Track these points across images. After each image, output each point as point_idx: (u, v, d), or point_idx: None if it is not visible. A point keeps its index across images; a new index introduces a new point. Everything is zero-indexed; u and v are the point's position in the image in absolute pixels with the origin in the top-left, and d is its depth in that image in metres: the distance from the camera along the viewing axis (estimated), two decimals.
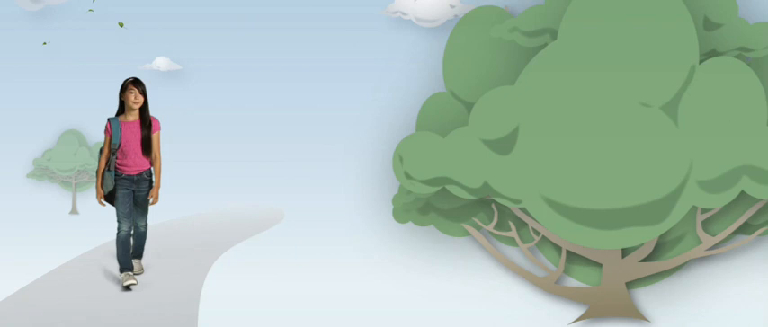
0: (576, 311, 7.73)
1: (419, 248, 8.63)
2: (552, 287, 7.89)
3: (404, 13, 11.00)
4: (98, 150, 10.11)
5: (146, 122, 8.12)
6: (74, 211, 19.87)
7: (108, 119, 8.15)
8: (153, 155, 8.23)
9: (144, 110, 8.06)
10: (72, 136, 19.67)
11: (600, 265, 7.86)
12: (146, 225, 8.57)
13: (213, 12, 18.25)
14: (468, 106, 7.69)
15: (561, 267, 7.95)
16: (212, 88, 18.26)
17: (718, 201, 6.94)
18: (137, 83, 8.01)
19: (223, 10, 18.36)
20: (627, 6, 7.11)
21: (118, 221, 8.13)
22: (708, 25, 7.53)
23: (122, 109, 8.09)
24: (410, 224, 8.28)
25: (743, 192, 6.90)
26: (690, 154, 6.89)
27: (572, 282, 8.17)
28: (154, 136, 8.19)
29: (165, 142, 8.53)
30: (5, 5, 16.83)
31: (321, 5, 16.21)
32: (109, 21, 14.77)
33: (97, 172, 8.29)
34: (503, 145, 7.31)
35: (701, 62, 7.12)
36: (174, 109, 15.02)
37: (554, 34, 7.40)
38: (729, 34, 7.55)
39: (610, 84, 6.97)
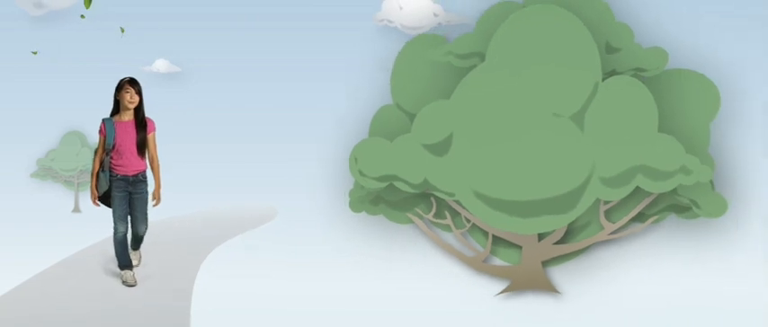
0: (501, 285, 8.68)
1: (370, 234, 9.48)
2: (481, 266, 8.80)
3: (390, 21, 11.54)
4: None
5: (141, 123, 7.91)
6: (76, 210, 20.49)
7: (102, 120, 7.92)
8: (150, 156, 8.06)
9: (139, 110, 7.90)
10: (74, 137, 20.22)
11: (520, 247, 8.73)
12: (146, 229, 8.23)
13: (212, 13, 18.24)
14: (411, 116, 8.49)
15: (488, 249, 8.80)
16: (211, 89, 18.46)
17: (617, 195, 7.90)
18: (132, 82, 7.84)
19: (221, 11, 18.27)
20: (542, 34, 7.97)
21: (114, 223, 7.96)
22: (609, 49, 8.37)
23: (117, 109, 7.92)
24: (364, 213, 9.07)
25: (638, 187, 7.84)
26: (593, 155, 7.78)
27: (497, 261, 9.08)
28: (149, 136, 7.98)
29: (166, 142, 8.36)
30: (10, 10, 16.95)
31: (313, 7, 16.18)
32: (109, 24, 14.29)
33: (92, 173, 8.12)
34: (439, 149, 8.17)
35: (603, 80, 7.95)
36: (174, 110, 15.09)
37: (482, 57, 8.26)
38: (627, 57, 8.39)
39: (528, 98, 7.84)
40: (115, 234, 7.93)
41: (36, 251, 11.18)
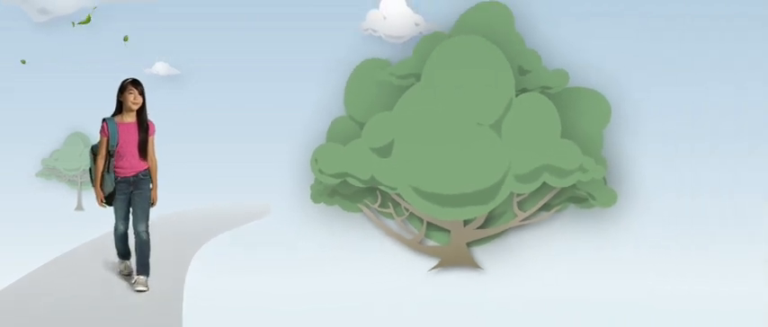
0: (433, 262, 9.71)
1: (328, 221, 10.42)
2: (417, 246, 9.76)
3: (374, 31, 12.08)
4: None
5: (143, 124, 7.56)
6: (79, 207, 21.07)
7: (104, 120, 7.54)
8: (149, 158, 7.70)
9: (142, 111, 7.53)
10: (77, 138, 20.59)
11: (449, 231, 9.64)
12: (147, 231, 7.69)
13: (209, 19, 18.78)
14: (361, 125, 9.44)
15: (423, 232, 9.72)
16: (209, 90, 18.93)
17: (527, 189, 8.89)
18: (136, 83, 7.47)
19: (219, 12, 18.70)
20: (466, 59, 8.94)
21: (115, 221, 7.70)
22: (521, 72, 9.33)
23: (120, 109, 7.55)
24: (322, 204, 10.01)
25: (544, 183, 8.81)
26: (508, 157, 8.76)
27: (430, 243, 9.95)
28: (150, 139, 7.66)
29: (166, 142, 8.09)
30: (17, 17, 17.13)
31: (306, 20, 16.71)
32: (110, 28, 14.18)
33: (93, 173, 7.73)
34: (383, 151, 9.15)
35: (516, 96, 8.96)
36: (173, 111, 14.97)
37: (418, 77, 9.28)
38: (535, 77, 9.32)
39: (455, 110, 8.85)
40: (116, 230, 7.72)
41: (40, 247, 11.17)
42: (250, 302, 7.67)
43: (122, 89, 7.44)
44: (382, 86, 9.76)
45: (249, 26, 19.05)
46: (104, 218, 10.57)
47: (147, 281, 7.73)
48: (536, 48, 9.60)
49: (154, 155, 7.73)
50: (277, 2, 17.98)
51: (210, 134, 19.72)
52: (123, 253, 8.12)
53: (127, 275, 8.18)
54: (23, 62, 15.94)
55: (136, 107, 7.41)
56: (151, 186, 7.73)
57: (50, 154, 20.90)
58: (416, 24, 11.91)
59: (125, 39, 13.46)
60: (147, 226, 7.62)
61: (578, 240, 9.66)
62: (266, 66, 19.03)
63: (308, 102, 11.14)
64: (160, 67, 18.56)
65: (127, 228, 7.70)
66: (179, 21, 18.41)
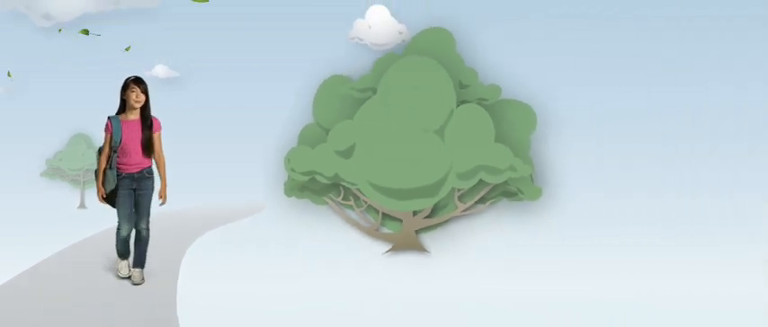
0: (387, 246, 10.76)
1: (298, 212, 11.47)
2: (374, 233, 10.85)
3: (361, 39, 12.21)
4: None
5: (147, 121, 7.33)
6: (82, 206, 21.10)
7: (108, 118, 7.35)
8: (156, 155, 7.45)
9: (145, 109, 7.32)
10: (80, 139, 20.66)
11: (401, 220, 10.65)
12: (148, 228, 7.56)
13: (208, 24, 18.65)
14: (327, 131, 10.57)
15: (379, 221, 10.74)
16: (207, 91, 18.81)
17: (466, 185, 9.91)
18: (138, 81, 7.28)
19: (217, 16, 18.45)
20: (416, 76, 10.14)
21: (118, 222, 7.44)
22: (461, 86, 10.51)
23: (123, 107, 7.35)
24: (294, 197, 11.00)
25: (481, 180, 9.87)
26: (451, 158, 9.89)
27: (385, 230, 10.96)
28: (155, 135, 7.39)
29: (165, 143, 7.79)
30: (22, 22, 16.92)
31: (299, 31, 16.42)
32: (112, 32, 14.08)
33: (96, 170, 7.44)
34: (346, 153, 10.22)
35: (457, 106, 10.12)
36: (174, 111, 14.63)
37: (375, 91, 10.44)
38: (473, 91, 10.50)
39: (405, 119, 10.01)
40: (119, 231, 7.47)
41: (44, 245, 11.29)
42: (235, 283, 8.55)
43: (125, 87, 7.27)
44: (345, 99, 10.88)
45: (243, 33, 18.95)
46: (106, 216, 11.78)
47: (142, 273, 7.64)
48: (474, 67, 10.83)
49: (161, 152, 7.52)
50: (271, 12, 18.02)
51: (201, 134, 19.63)
52: (123, 253, 7.74)
53: (125, 278, 7.80)
54: (9, 75, 15.48)
55: (138, 105, 7.21)
56: (153, 184, 7.52)
57: (54, 154, 20.94)
58: (400, 33, 12.00)
59: (127, 49, 13.11)
60: (148, 223, 7.49)
61: (509, 228, 10.75)
62: (258, 71, 19.10)
63: (296, 106, 11.76)
64: (160, 70, 18.26)
65: (130, 231, 7.46)
66: (178, 23, 18.07)
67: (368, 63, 11.16)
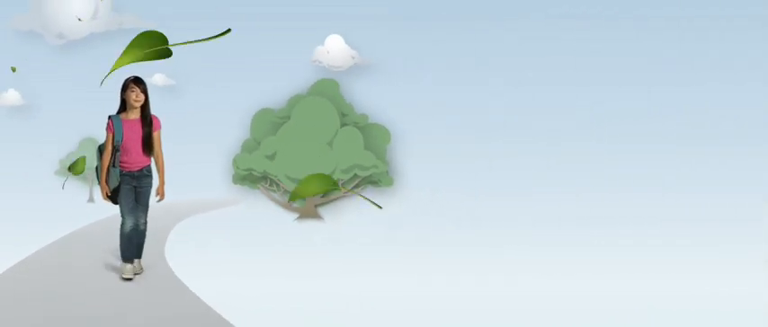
0: (296, 215, 16.75)
1: (242, 195, 17.14)
2: (288, 207, 16.82)
3: (320, 62, 14.81)
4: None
5: (147, 120, 7.00)
6: (90, 200, 22.78)
7: (109, 117, 7.06)
8: (155, 154, 7.13)
9: (145, 108, 6.98)
10: (88, 142, 22.10)
11: (305, 199, 16.42)
12: (145, 223, 7.30)
13: (198, 46, 20.29)
14: (259, 143, 16.32)
15: (290, 200, 16.67)
16: (201, 97, 20.86)
17: (346, 176, 16.01)
18: (137, 81, 6.95)
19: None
20: (315, 108, 16.02)
21: (122, 216, 7.13)
22: (342, 115, 16.45)
23: (124, 107, 6.99)
24: (238, 185, 16.77)
25: (355, 173, 15.96)
26: (336, 160, 15.79)
27: (295, 205, 16.90)
28: (155, 134, 7.08)
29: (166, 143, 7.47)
30: (38, 42, 18.08)
31: (271, 54, 19.60)
32: (117, 47, 15.11)
33: (99, 168, 7.23)
34: (271, 157, 16.01)
35: (340, 128, 16.02)
36: (171, 116, 16.54)
37: (289, 117, 16.29)
38: (350, 118, 16.43)
39: (308, 135, 15.84)
40: (123, 226, 7.15)
41: (59, 229, 12.44)
42: (204, 233, 14.18)
43: (124, 87, 6.97)
44: (270, 123, 16.89)
45: (226, 54, 21.78)
46: (112, 207, 14.58)
47: (140, 263, 7.51)
48: (351, 103, 17.02)
49: (160, 151, 7.24)
50: (248, 40, 21.46)
51: (179, 136, 20.95)
52: (127, 255, 7.28)
53: (128, 279, 7.22)
54: (14, 69, 14.51)
55: (138, 104, 6.91)
56: (152, 181, 7.29)
57: (66, 155, 22.09)
58: (352, 57, 14.65)
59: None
60: (146, 219, 7.31)
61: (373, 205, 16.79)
62: (237, 86, 22.07)
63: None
64: (158, 78, 20.49)
65: (134, 225, 7.17)
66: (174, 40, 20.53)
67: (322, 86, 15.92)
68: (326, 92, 16.92)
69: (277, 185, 16.70)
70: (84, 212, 18.22)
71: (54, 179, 21.75)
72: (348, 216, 16.71)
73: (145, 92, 6.99)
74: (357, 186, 16.72)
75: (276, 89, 15.48)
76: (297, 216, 17.00)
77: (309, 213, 16.84)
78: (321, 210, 17.17)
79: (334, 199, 16.91)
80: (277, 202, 16.94)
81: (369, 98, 16.06)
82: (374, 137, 16.68)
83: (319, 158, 15.86)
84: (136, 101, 6.89)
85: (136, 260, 7.45)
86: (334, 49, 15.65)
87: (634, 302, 6.56)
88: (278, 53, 21.85)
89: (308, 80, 15.78)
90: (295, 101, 16.84)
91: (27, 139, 20.97)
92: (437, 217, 14.64)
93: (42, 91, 21.36)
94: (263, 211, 16.66)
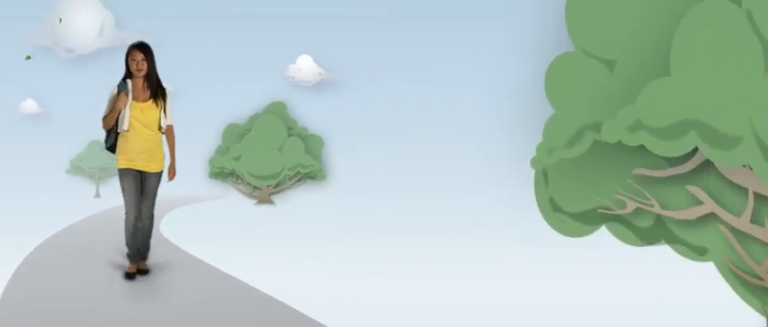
0: (254, 201, 22.38)
1: (216, 188, 22.63)
2: (251, 195, 22.23)
3: (293, 78, 16.57)
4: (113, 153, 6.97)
5: (152, 91, 6.46)
6: (97, 195, 24.71)
7: (117, 85, 6.48)
8: (167, 128, 6.63)
9: (149, 77, 6.41)
10: (95, 145, 23.70)
11: (262, 189, 22.00)
12: (152, 216, 6.68)
13: (192, 57, 22.70)
14: (228, 149, 23.05)
15: (252, 190, 22.38)
16: (196, 99, 22.74)
17: (292, 173, 21.60)
18: (139, 47, 6.37)
19: (194, 51, 23.22)
20: (269, 125, 22.66)
21: (126, 209, 6.54)
22: (289, 128, 21.86)
23: (129, 74, 6.47)
24: (213, 180, 22.37)
25: (298, 170, 21.60)
26: (284, 161, 21.24)
27: (255, 194, 22.35)
28: (164, 112, 6.54)
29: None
30: (50, 55, 18.42)
31: (252, 71, 21.65)
32: (121, 63, 14.04)
33: (106, 119, 6.61)
34: (238, 158, 21.77)
35: (288, 137, 21.74)
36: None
37: (250, 129, 23.01)
38: (296, 131, 21.84)
39: (264, 143, 21.55)
40: (127, 220, 6.59)
41: (69, 219, 13.56)
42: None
43: (126, 55, 6.44)
44: (237, 133, 22.35)
45: (213, 67, 22.83)
46: (115, 201, 14.51)
47: (147, 264, 7.06)
48: (295, 119, 22.82)
49: (171, 125, 6.79)
50: (232, 56, 22.76)
51: (206, 134, 22.44)
52: (133, 253, 6.78)
53: (132, 277, 6.67)
54: (28, 58, 13.67)
55: (140, 74, 6.38)
56: (161, 169, 6.75)
57: (76, 156, 23.55)
58: (320, 74, 16.27)
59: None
60: (153, 212, 6.76)
61: (310, 192, 22.26)
62: (220, 97, 23.25)
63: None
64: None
65: (136, 219, 6.57)
66: (171, 53, 20.73)
67: (299, 95, 20.44)
68: (278, 112, 22.68)
69: (242, 179, 22.33)
70: (91, 206, 21.05)
71: (65, 178, 23.30)
72: (294, 202, 22.28)
73: (146, 60, 6.43)
74: (300, 181, 22.52)
75: (254, 105, 18.76)
76: (255, 201, 22.71)
77: (265, 200, 22.55)
78: (274, 198, 22.87)
79: (283, 190, 22.54)
80: (241, 191, 22.72)
81: (330, 109, 19.48)
82: (312, 144, 22.28)
83: (272, 160, 21.44)
84: (137, 70, 6.41)
85: (143, 262, 7.06)
86: (305, 67, 17.44)
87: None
88: (254, 71, 22.61)
89: (279, 94, 19.03)
90: (255, 117, 22.55)
91: (40, 142, 21.50)
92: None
93: (53, 101, 20.85)
94: (231, 197, 22.35)
